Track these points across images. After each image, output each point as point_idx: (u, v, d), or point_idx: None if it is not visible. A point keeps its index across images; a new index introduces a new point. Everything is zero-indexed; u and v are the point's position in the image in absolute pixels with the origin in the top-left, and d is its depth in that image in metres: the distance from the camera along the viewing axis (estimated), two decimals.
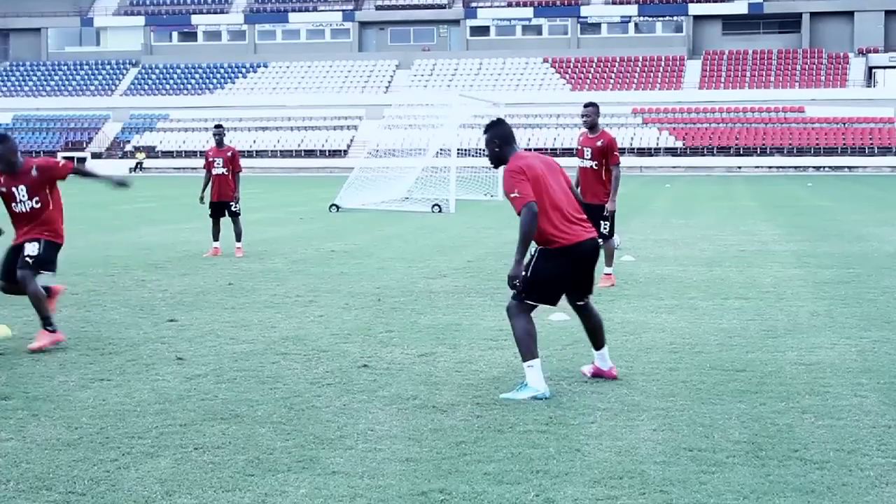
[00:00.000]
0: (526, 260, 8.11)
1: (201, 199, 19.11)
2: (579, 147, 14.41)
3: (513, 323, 8.17)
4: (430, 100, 50.60)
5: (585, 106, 14.47)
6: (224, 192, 18.85)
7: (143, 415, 7.51)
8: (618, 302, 12.93)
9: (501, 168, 8.31)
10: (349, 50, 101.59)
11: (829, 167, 79.58)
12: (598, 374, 8.63)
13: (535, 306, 8.24)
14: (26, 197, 10.45)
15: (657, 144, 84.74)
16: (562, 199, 8.20)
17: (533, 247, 8.19)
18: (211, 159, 18.99)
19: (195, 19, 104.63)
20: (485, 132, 8.37)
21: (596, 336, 8.61)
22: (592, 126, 14.38)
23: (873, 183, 56.28)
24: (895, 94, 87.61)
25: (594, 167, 14.28)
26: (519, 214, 7.99)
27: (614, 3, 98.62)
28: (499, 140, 8.29)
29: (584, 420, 7.33)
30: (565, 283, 8.31)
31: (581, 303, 8.56)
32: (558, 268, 8.18)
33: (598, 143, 14.19)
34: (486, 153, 8.44)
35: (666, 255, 18.44)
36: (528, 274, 8.11)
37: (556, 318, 11.52)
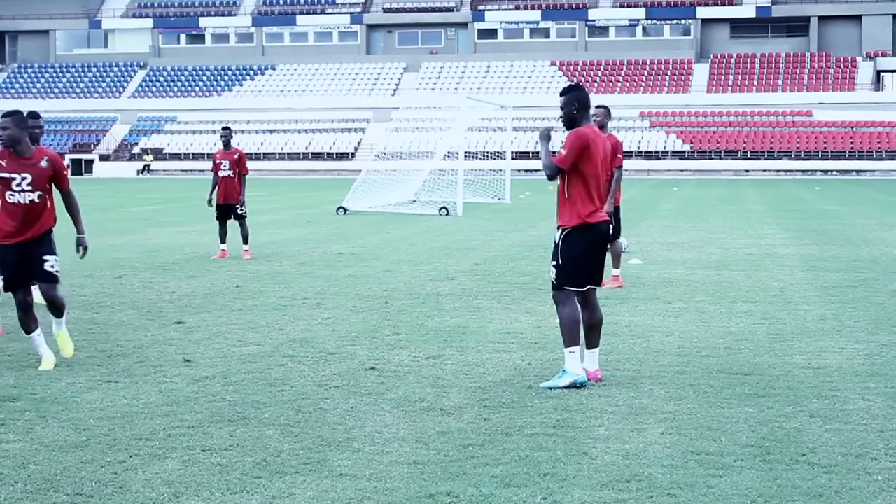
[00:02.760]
0: (553, 249, 8.62)
1: (209, 201, 19.12)
2: None
3: (559, 310, 8.56)
4: (438, 102, 50.64)
5: (597, 107, 14.52)
6: (230, 194, 18.86)
7: (150, 417, 7.51)
8: (625, 305, 12.92)
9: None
10: (357, 52, 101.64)
11: (837, 171, 79.48)
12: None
13: (578, 291, 8.56)
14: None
15: (665, 148, 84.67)
16: (597, 179, 8.55)
17: (557, 235, 8.58)
18: (218, 161, 19.01)
19: (203, 21, 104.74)
20: (565, 93, 8.63)
21: (593, 334, 8.76)
22: (601, 127, 14.41)
23: (881, 187, 56.19)
24: None
25: None
26: (551, 165, 8.52)
27: (622, 7, 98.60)
28: (578, 104, 8.59)
29: (591, 423, 7.33)
30: (590, 263, 8.62)
31: (590, 289, 8.73)
32: (583, 247, 8.53)
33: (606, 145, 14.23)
34: (563, 114, 8.66)
35: (673, 258, 18.43)
36: (560, 261, 8.49)
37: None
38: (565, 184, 8.55)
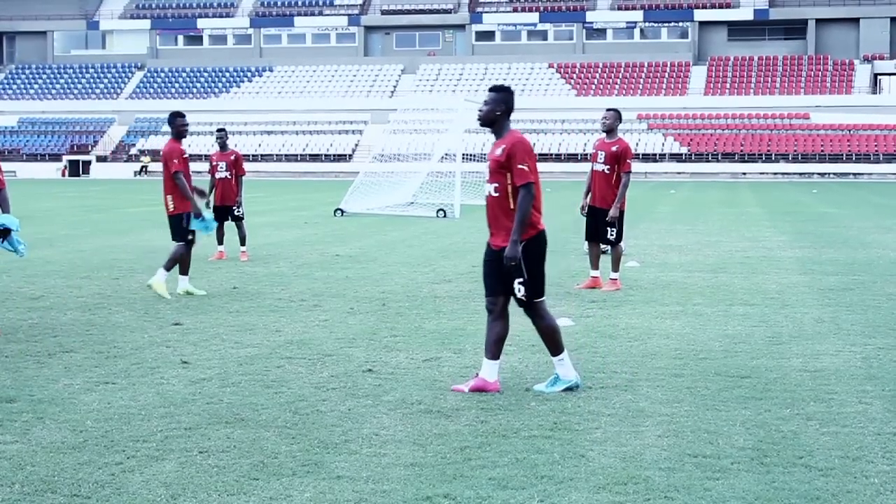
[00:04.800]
0: (513, 267, 8.18)
1: (207, 203, 19.11)
2: (594, 150, 14.53)
3: (539, 324, 8.40)
4: (436, 104, 50.58)
5: (608, 110, 14.59)
6: (227, 195, 18.86)
7: (147, 418, 7.51)
8: (623, 307, 12.93)
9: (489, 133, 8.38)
10: (355, 54, 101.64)
11: (834, 174, 79.53)
12: (477, 389, 8.31)
13: (543, 300, 8.40)
14: None
15: (662, 150, 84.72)
16: (539, 185, 8.31)
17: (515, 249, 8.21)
18: (215, 163, 19.01)
19: (201, 23, 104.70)
20: (496, 90, 8.39)
21: (500, 345, 8.49)
22: (610, 130, 14.48)
23: (878, 190, 56.23)
24: None
25: (606, 171, 14.36)
26: (518, 186, 8.13)
27: (620, 9, 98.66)
28: (505, 106, 8.38)
29: (588, 426, 7.33)
30: (544, 272, 8.42)
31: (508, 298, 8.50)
32: (541, 255, 8.35)
33: (613, 149, 14.31)
34: (483, 110, 8.37)
35: (671, 260, 18.44)
36: (527, 277, 8.23)
37: (560, 324, 11.48)
38: (508, 194, 8.19)
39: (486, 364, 8.39)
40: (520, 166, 8.15)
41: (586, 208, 14.81)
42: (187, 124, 14.14)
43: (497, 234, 8.32)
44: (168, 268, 13.92)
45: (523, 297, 8.31)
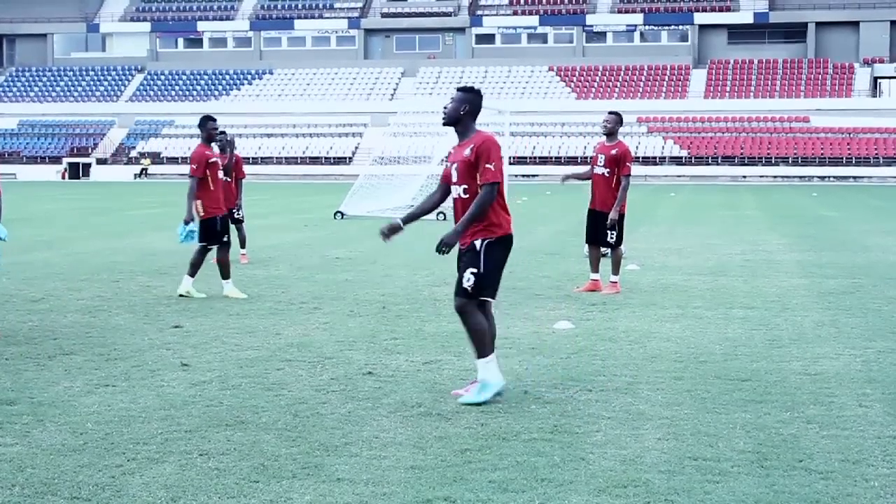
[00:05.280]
0: (471, 258, 8.08)
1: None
2: (595, 153, 14.55)
3: (469, 320, 8.09)
4: (436, 107, 50.56)
5: (609, 113, 14.60)
6: (227, 198, 18.84)
7: (148, 421, 7.51)
8: (623, 310, 12.93)
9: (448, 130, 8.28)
10: (355, 57, 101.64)
11: (834, 177, 79.52)
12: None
13: (489, 302, 8.21)
14: None
15: (662, 153, 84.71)
16: (503, 186, 8.22)
17: (477, 244, 8.09)
18: None
19: (201, 26, 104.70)
20: (464, 90, 8.23)
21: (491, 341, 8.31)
22: (610, 134, 14.50)
23: (878, 193, 56.25)
24: None
25: (606, 175, 14.38)
26: (481, 185, 8.02)
27: (620, 12, 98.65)
28: (471, 107, 8.23)
29: (589, 429, 7.33)
30: (502, 274, 8.26)
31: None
32: (503, 258, 8.19)
33: (613, 152, 14.33)
34: (448, 108, 8.24)
35: (671, 264, 18.44)
36: (482, 270, 8.05)
37: (560, 327, 11.54)
38: (477, 196, 8.06)
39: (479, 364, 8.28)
40: (487, 165, 8.01)
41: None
42: (217, 128, 14.54)
43: (466, 236, 8.18)
44: (192, 273, 14.30)
45: (469, 288, 8.05)
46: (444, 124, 8.33)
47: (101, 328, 11.61)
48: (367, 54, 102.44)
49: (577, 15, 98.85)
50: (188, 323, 11.92)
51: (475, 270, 8.07)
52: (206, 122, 14.33)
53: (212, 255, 14.64)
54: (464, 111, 8.22)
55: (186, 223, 14.04)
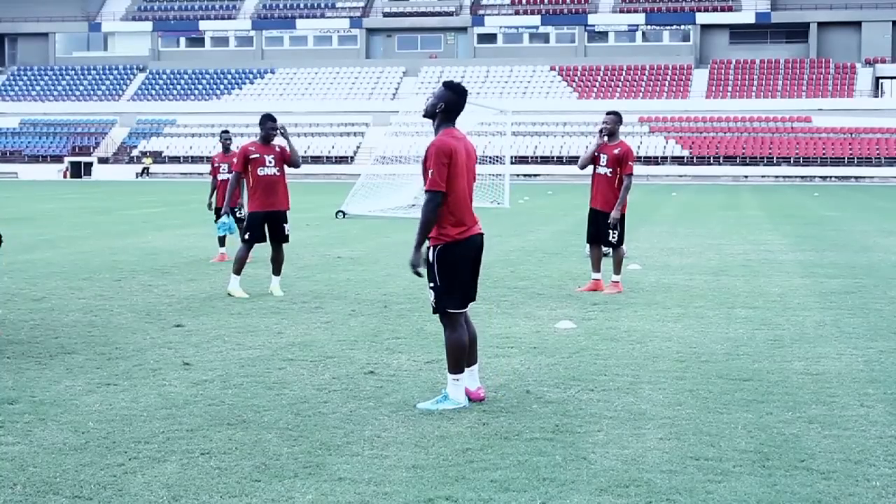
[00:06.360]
0: (428, 271, 7.90)
1: (209, 204, 19.12)
2: (596, 153, 14.53)
3: (446, 336, 7.94)
4: None
5: (608, 113, 14.59)
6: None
7: (149, 420, 7.51)
8: (624, 310, 12.92)
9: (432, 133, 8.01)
10: (356, 57, 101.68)
11: (836, 177, 79.51)
12: (476, 399, 8.09)
13: (461, 313, 8.00)
14: None
15: (664, 153, 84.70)
16: (467, 191, 8.03)
17: (429, 253, 7.93)
18: (217, 165, 19.01)
19: (203, 25, 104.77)
20: (446, 86, 7.98)
21: (472, 349, 8.11)
22: (611, 134, 14.49)
23: (880, 193, 56.23)
24: None
25: (608, 174, 14.38)
26: (426, 190, 7.83)
27: (622, 12, 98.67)
28: (449, 105, 7.96)
29: (590, 428, 7.33)
30: (465, 282, 7.96)
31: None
32: (460, 263, 7.91)
33: (615, 152, 14.34)
34: (427, 102, 8.06)
35: (672, 263, 18.44)
36: (438, 283, 7.87)
37: (562, 327, 11.54)
38: None
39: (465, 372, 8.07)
40: (430, 171, 7.81)
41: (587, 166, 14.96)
42: (275, 128, 14.17)
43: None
44: (236, 270, 14.46)
45: (432, 304, 7.96)
46: (424, 116, 8.16)
47: (103, 327, 11.61)
48: (369, 54, 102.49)
49: (579, 15, 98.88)
50: (189, 322, 11.92)
51: (432, 285, 7.92)
52: (266, 121, 14.09)
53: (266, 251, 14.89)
54: (439, 109, 7.98)
55: (225, 214, 15.32)
